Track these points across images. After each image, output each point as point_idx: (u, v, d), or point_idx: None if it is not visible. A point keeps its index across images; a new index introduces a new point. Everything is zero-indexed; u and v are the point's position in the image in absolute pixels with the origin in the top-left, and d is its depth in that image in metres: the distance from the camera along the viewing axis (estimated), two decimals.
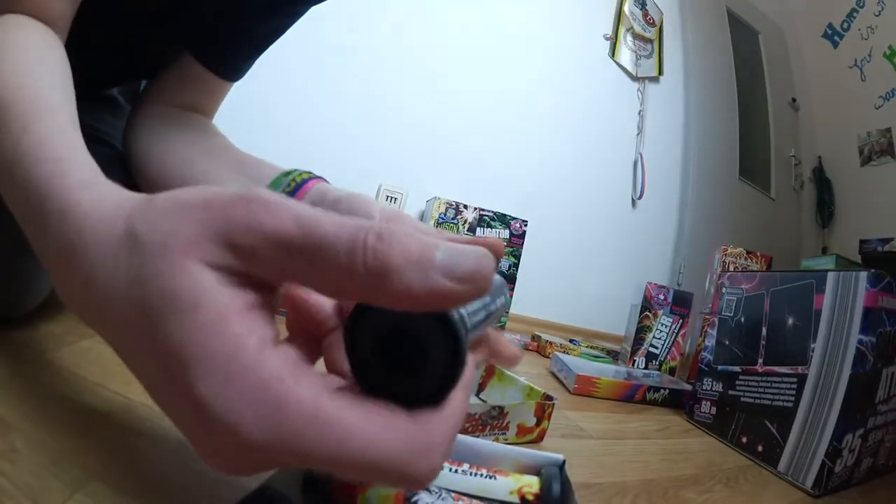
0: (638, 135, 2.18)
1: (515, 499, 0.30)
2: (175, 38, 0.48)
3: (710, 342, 0.84)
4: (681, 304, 1.33)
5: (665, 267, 2.20)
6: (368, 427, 0.15)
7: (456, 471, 0.31)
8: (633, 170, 2.17)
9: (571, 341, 1.48)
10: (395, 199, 1.62)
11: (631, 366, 1.29)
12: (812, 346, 0.63)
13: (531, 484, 0.31)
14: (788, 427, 0.62)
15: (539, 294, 1.79)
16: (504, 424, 0.50)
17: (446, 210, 1.45)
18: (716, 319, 0.85)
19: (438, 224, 1.43)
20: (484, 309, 0.23)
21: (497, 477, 0.31)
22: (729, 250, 1.37)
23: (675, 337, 1.32)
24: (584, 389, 0.87)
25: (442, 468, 0.17)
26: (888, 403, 0.63)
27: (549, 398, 0.56)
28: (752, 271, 1.27)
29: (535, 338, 1.42)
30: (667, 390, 0.93)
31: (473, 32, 1.83)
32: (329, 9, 0.60)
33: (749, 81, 2.58)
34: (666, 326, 1.32)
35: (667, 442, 0.69)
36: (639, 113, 2.20)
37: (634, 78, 2.20)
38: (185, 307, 0.15)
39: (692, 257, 2.14)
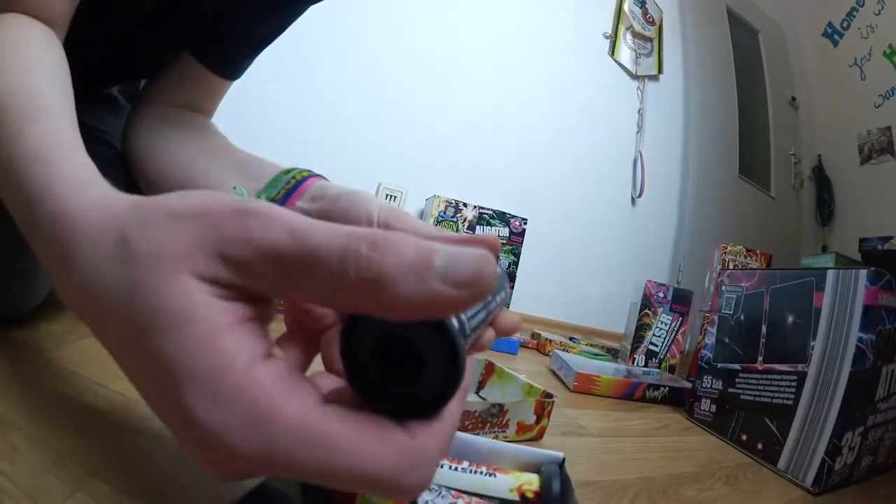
0: (637, 133, 2.18)
1: (515, 496, 0.30)
2: (175, 38, 0.48)
3: (710, 340, 0.84)
4: (680, 301, 1.33)
5: (665, 265, 2.21)
6: (359, 441, 0.15)
7: (456, 468, 0.31)
8: (632, 168, 2.17)
9: (571, 339, 1.48)
10: (395, 197, 1.62)
11: (631, 364, 1.29)
12: (812, 343, 0.63)
13: (531, 482, 0.31)
14: (788, 425, 0.62)
15: (539, 292, 1.79)
16: (504, 422, 0.50)
17: (446, 208, 1.45)
18: (715, 317, 0.85)
19: (438, 222, 1.43)
20: (484, 308, 0.23)
21: (497, 474, 0.31)
22: (728, 248, 1.37)
23: (675, 335, 1.32)
24: (584, 387, 0.87)
25: (432, 478, 0.17)
26: (888, 401, 0.63)
27: (549, 396, 0.56)
28: (751, 269, 1.27)
29: (534, 335, 1.42)
30: (666, 388, 0.93)
31: (473, 31, 1.83)
32: (329, 8, 0.60)
33: (749, 80, 2.58)
34: (666, 324, 1.32)
35: (667, 440, 0.69)
36: (638, 111, 2.20)
37: (634, 76, 2.20)
38: (175, 322, 0.15)
39: (692, 255, 2.14)
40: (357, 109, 1.61)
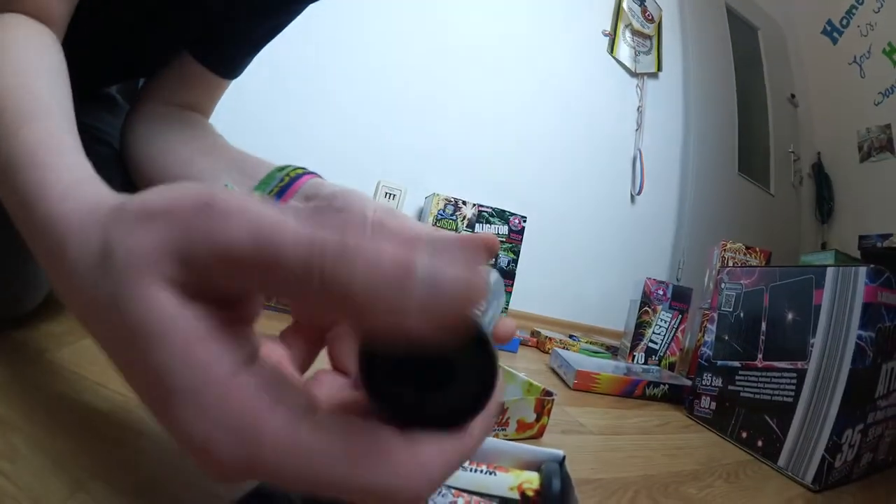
0: (637, 131, 2.18)
1: (515, 495, 0.30)
2: (173, 38, 0.48)
3: (710, 337, 0.84)
4: (680, 299, 1.33)
5: (664, 262, 2.21)
6: (349, 455, 0.15)
7: None
8: (632, 166, 2.17)
9: (571, 337, 1.49)
10: (394, 195, 1.62)
11: (630, 361, 1.29)
12: (811, 341, 0.63)
13: (531, 480, 0.31)
14: (788, 422, 0.62)
15: (538, 290, 1.79)
16: (504, 420, 0.50)
17: (445, 206, 1.45)
18: (715, 315, 0.85)
19: (437, 220, 1.43)
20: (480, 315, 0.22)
21: (497, 473, 0.31)
22: (728, 246, 1.38)
23: (675, 332, 1.32)
24: (584, 385, 0.87)
25: (432, 493, 0.17)
26: (888, 399, 0.63)
27: (549, 394, 0.56)
28: (751, 266, 1.27)
29: (534, 333, 1.42)
30: (666, 386, 0.93)
31: (472, 29, 1.82)
32: (327, 6, 0.60)
33: (748, 78, 2.58)
34: (665, 322, 1.32)
35: (667, 437, 0.69)
36: (638, 109, 2.20)
37: (633, 74, 2.20)
38: (151, 339, 0.15)
39: (691, 253, 2.14)
40: (356, 108, 1.61)
